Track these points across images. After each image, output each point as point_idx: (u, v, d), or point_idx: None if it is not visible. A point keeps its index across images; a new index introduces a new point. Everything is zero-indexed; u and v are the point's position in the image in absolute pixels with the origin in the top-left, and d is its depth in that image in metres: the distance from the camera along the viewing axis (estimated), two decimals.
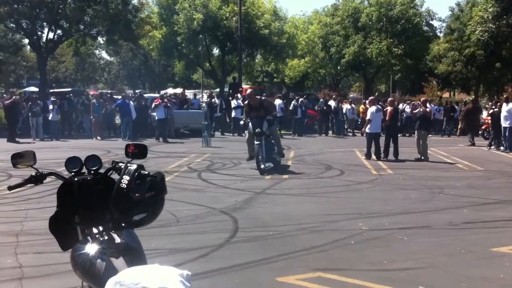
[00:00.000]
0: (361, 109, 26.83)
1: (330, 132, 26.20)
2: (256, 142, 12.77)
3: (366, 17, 37.59)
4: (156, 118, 21.68)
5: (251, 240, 6.74)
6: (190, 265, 5.43)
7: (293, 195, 9.99)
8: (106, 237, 2.77)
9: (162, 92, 34.99)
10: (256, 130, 12.76)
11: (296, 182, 11.51)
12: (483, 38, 31.96)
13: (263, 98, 14.45)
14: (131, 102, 23.07)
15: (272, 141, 13.47)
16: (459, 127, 25.79)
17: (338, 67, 41.30)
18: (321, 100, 28.06)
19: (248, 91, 16.09)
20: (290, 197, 9.82)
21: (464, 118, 22.36)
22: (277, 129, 15.37)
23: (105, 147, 17.86)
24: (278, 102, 25.24)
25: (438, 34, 42.78)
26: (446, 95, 46.16)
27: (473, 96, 38.54)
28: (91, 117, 22.83)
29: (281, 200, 9.48)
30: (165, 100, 22.43)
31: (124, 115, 22.08)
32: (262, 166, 12.51)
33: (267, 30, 31.35)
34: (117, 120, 23.99)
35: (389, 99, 19.25)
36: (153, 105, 22.44)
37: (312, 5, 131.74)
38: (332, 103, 26.80)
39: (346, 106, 26.96)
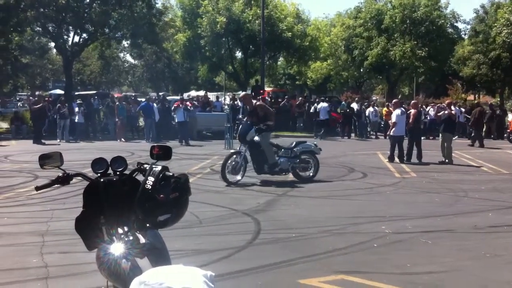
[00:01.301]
0: (384, 112, 26.62)
1: (352, 134, 26.06)
2: (231, 150, 11.71)
3: (390, 19, 37.35)
4: (176, 121, 21.85)
5: (273, 242, 6.74)
6: (213, 266, 5.46)
7: (315, 197, 9.96)
8: (131, 237, 2.80)
9: (186, 94, 35.20)
10: (241, 137, 11.73)
11: (318, 184, 11.47)
12: (508, 40, 31.52)
13: (258, 103, 12.64)
14: (155, 104, 23.35)
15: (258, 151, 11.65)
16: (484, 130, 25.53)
17: (361, 70, 41.12)
18: (343, 102, 27.93)
19: (242, 94, 14.59)
20: (312, 199, 9.79)
21: (477, 120, 22.25)
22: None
23: (129, 149, 18.01)
24: (323, 105, 25.19)
25: (463, 36, 42.32)
26: (470, 97, 45.57)
27: (499, 99, 38.00)
28: (116, 119, 23.12)
29: (303, 202, 9.46)
30: (184, 103, 22.54)
31: (148, 117, 22.34)
32: (228, 176, 11.19)
33: (290, 33, 31.31)
34: (141, 122, 24.28)
35: (413, 101, 19.05)
36: (172, 107, 22.66)
37: (335, 7, 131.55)
38: (354, 105, 26.67)
39: (369, 109, 26.77)
